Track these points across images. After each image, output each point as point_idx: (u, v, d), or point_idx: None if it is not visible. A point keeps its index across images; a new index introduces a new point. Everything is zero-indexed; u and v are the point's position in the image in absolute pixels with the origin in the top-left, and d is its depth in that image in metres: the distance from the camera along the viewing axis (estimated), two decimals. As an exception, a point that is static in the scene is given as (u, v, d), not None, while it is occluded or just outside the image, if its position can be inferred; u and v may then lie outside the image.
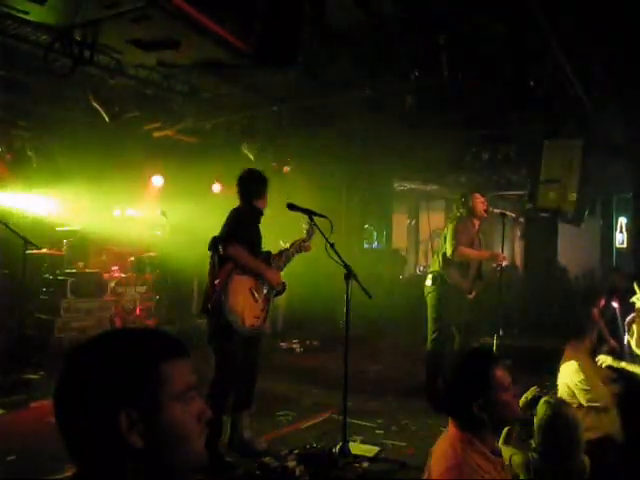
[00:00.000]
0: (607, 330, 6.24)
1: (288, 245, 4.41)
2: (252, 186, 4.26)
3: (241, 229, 3.97)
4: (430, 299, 5.57)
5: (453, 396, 2.02)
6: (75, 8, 2.74)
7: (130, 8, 2.60)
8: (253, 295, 4.05)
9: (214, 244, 4.02)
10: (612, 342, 6.07)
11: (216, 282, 3.90)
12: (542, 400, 2.97)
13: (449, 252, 5.38)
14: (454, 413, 2.04)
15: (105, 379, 0.93)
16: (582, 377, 3.74)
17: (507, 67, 5.69)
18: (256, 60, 3.27)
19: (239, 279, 3.96)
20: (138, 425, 0.93)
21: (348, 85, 6.44)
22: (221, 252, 3.86)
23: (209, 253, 4.11)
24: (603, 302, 6.57)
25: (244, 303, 3.96)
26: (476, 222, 5.64)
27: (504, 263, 5.49)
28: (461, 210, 5.70)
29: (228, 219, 4.05)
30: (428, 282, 5.60)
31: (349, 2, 4.23)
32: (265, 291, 4.17)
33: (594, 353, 4.14)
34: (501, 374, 2.03)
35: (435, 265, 5.63)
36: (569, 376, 3.80)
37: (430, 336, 5.54)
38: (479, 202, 5.62)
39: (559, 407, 2.87)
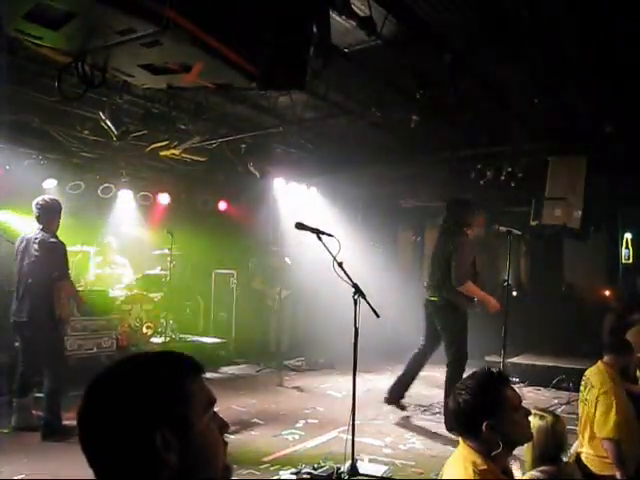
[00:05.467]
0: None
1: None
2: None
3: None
4: (444, 322, 5.61)
5: (464, 416, 2.03)
6: (88, 34, 2.81)
7: (143, 34, 2.66)
8: None
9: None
10: None
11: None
12: (534, 414, 2.91)
13: (455, 283, 5.46)
14: (465, 433, 2.04)
15: (134, 404, 0.96)
16: (612, 399, 3.47)
17: (511, 85, 5.76)
18: (263, 83, 3.31)
19: None
20: (172, 443, 0.95)
21: (355, 104, 6.50)
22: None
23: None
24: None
25: None
26: (470, 232, 5.75)
27: (492, 311, 5.59)
28: (463, 221, 5.74)
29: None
30: (440, 303, 5.62)
31: (352, 24, 4.28)
32: None
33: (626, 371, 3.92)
34: (511, 394, 2.04)
35: (443, 290, 5.60)
36: (598, 399, 3.51)
37: (449, 355, 5.56)
38: (480, 219, 5.81)
39: (545, 418, 2.83)
